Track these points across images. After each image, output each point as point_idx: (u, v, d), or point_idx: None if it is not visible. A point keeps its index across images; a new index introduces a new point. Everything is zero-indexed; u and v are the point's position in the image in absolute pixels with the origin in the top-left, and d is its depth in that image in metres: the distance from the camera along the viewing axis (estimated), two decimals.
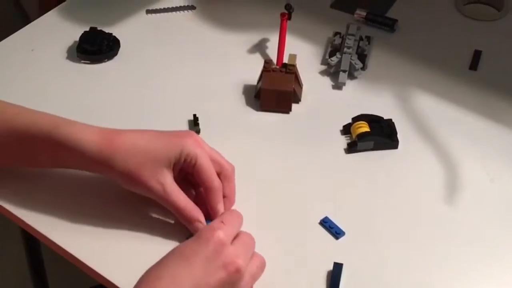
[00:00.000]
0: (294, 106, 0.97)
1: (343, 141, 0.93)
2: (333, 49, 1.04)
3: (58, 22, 1.10)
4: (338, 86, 1.00)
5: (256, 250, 0.77)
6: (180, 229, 0.80)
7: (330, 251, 0.80)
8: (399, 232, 0.82)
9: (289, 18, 1.02)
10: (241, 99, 0.98)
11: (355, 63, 1.01)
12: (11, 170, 0.86)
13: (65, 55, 1.04)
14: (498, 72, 1.03)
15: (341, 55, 1.01)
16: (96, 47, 1.03)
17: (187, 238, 0.77)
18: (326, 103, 0.98)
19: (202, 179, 0.80)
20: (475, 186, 0.88)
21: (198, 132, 0.92)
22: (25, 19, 1.65)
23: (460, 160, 0.90)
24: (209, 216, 0.81)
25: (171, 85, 1.00)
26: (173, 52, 1.05)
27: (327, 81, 1.01)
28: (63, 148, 0.79)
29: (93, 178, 0.84)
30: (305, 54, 1.04)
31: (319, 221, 0.83)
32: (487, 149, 0.92)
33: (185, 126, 0.94)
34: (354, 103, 0.97)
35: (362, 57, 1.03)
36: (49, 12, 1.12)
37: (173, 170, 0.80)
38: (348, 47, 1.02)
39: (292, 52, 0.99)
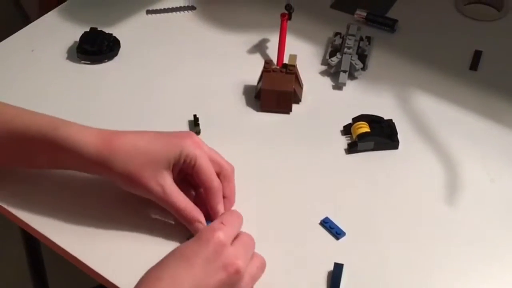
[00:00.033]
0: (294, 106, 0.97)
1: (343, 142, 0.93)
2: (334, 50, 1.04)
3: (58, 22, 1.10)
4: (338, 86, 1.00)
5: (256, 250, 0.77)
6: (180, 229, 0.80)
7: (330, 251, 0.80)
8: (400, 232, 0.82)
9: (289, 19, 1.02)
10: (241, 100, 0.98)
11: (356, 64, 1.01)
12: (11, 171, 0.86)
13: (65, 55, 1.04)
14: (498, 72, 1.03)
15: (342, 55, 1.01)
16: (96, 48, 1.03)
17: (187, 239, 0.77)
18: (327, 104, 0.98)
19: (201, 179, 0.80)
20: (476, 186, 0.88)
21: (198, 132, 0.92)
22: (25, 19, 1.65)
23: (461, 160, 0.91)
24: (209, 216, 0.81)
25: (171, 85, 1.00)
26: (173, 52, 1.06)
27: (327, 82, 1.01)
28: (62, 150, 0.79)
29: (93, 179, 0.84)
30: (305, 55, 1.04)
31: (319, 221, 0.83)
32: (488, 149, 0.92)
33: (185, 127, 0.94)
34: (355, 104, 0.97)
35: (363, 57, 1.03)
36: (49, 13, 1.12)
37: (173, 171, 0.80)
38: (349, 48, 1.02)
39: (293, 53, 0.99)
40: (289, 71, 0.96)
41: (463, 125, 0.96)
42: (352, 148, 0.91)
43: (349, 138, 0.93)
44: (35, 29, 1.10)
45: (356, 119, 0.94)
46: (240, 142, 0.92)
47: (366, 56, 1.03)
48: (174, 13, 1.12)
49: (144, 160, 0.78)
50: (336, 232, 0.82)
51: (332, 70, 1.02)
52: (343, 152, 0.92)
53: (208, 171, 0.80)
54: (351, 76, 1.01)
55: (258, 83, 0.98)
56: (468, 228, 0.83)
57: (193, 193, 0.84)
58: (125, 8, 1.12)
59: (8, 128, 0.81)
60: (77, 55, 1.03)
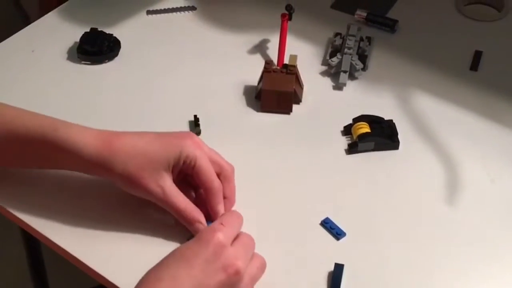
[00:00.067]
0: (294, 106, 0.97)
1: (343, 142, 0.93)
2: (334, 50, 1.04)
3: (58, 23, 1.10)
4: (338, 86, 1.00)
5: (257, 250, 0.77)
6: (181, 230, 0.80)
7: (331, 251, 0.80)
8: (400, 233, 0.82)
9: (290, 19, 1.02)
10: (242, 100, 0.98)
11: (356, 64, 1.01)
12: (12, 172, 0.86)
13: (66, 56, 1.04)
14: (498, 73, 1.03)
15: (342, 55, 1.01)
16: (96, 48, 1.03)
17: (188, 240, 0.77)
18: (327, 104, 0.98)
19: (202, 180, 0.80)
20: (476, 187, 0.88)
21: (199, 133, 0.92)
22: (25, 20, 1.65)
23: (461, 161, 0.91)
24: (210, 217, 0.81)
25: (172, 86, 1.00)
26: (174, 52, 1.06)
27: (327, 82, 1.02)
28: (62, 151, 0.79)
29: (94, 180, 0.84)
30: (305, 55, 1.04)
31: (319, 221, 0.83)
32: (488, 150, 0.92)
33: (185, 127, 0.94)
34: (355, 104, 0.97)
35: (363, 57, 1.03)
36: (50, 13, 1.12)
37: (173, 172, 0.79)
38: (349, 48, 1.02)
39: (293, 53, 0.99)
40: (290, 71, 0.96)
41: (463, 125, 0.96)
42: (352, 149, 0.91)
43: (349, 139, 0.93)
44: (35, 29, 1.10)
45: (356, 120, 0.94)
46: (241, 143, 0.92)
47: (366, 56, 1.03)
48: (174, 13, 1.12)
49: (144, 161, 0.78)
50: (336, 233, 0.82)
51: (332, 71, 1.02)
52: (344, 152, 0.92)
53: (208, 171, 0.80)
54: (352, 77, 1.01)
55: (258, 83, 0.98)
56: (468, 228, 0.83)
57: (193, 194, 0.84)
58: (125, 8, 1.12)
59: (8, 129, 0.81)
60: (77, 56, 1.04)
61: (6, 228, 1.31)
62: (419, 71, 1.03)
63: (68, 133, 0.79)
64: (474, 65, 1.04)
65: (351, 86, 1.01)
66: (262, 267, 0.76)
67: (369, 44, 1.05)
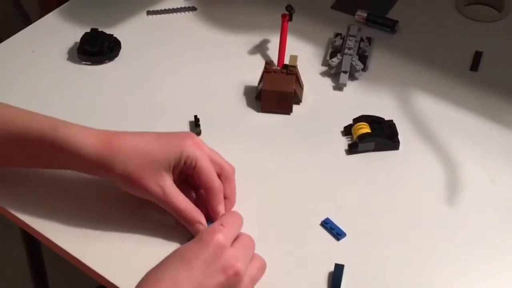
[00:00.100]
0: (295, 107, 0.97)
1: (344, 142, 0.93)
2: (334, 50, 1.04)
3: (59, 23, 1.10)
4: (339, 87, 1.01)
5: (257, 251, 0.77)
6: (181, 231, 0.80)
7: (331, 252, 0.80)
8: (400, 233, 0.83)
9: (290, 19, 1.02)
10: (242, 100, 0.98)
11: (356, 64, 1.01)
12: (12, 172, 0.86)
13: (66, 56, 1.04)
14: (498, 73, 1.03)
15: (342, 56, 1.01)
16: (97, 48, 1.03)
17: (188, 240, 0.77)
18: (327, 104, 0.98)
19: (202, 180, 0.80)
20: (476, 187, 0.88)
21: (199, 133, 0.93)
22: (26, 20, 1.66)
23: (461, 161, 0.91)
24: (210, 217, 0.81)
25: (172, 86, 1.00)
26: (174, 53, 1.06)
27: (328, 82, 1.02)
28: (62, 151, 0.79)
29: (94, 180, 0.84)
30: (306, 55, 1.04)
31: (320, 222, 0.83)
32: (488, 150, 0.92)
33: (186, 127, 0.94)
34: (355, 104, 0.97)
35: (363, 58, 1.03)
36: (50, 14, 1.12)
37: (173, 172, 0.79)
38: (349, 48, 1.02)
39: (293, 53, 0.99)
40: (290, 71, 0.96)
41: (464, 125, 0.96)
42: (352, 149, 0.91)
43: (349, 139, 0.93)
44: (35, 30, 1.10)
45: (356, 120, 0.94)
46: (241, 143, 0.92)
47: (366, 57, 1.03)
48: (174, 13, 1.12)
49: (144, 161, 0.78)
50: (336, 233, 0.82)
51: (332, 71, 1.02)
52: (344, 152, 0.92)
53: (209, 172, 0.80)
54: (352, 77, 1.01)
55: (258, 83, 0.98)
56: (468, 229, 0.83)
57: (194, 194, 0.84)
58: (125, 9, 1.13)
59: (7, 129, 0.81)
60: (77, 56, 1.04)
61: (6, 229, 1.31)
62: (419, 71, 1.03)
63: (68, 133, 0.79)
64: (474, 66, 1.04)
65: (351, 87, 1.01)
66: (262, 268, 0.76)
67: (369, 44, 1.05)
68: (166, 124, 0.94)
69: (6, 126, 0.81)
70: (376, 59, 1.05)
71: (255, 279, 0.75)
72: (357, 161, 0.91)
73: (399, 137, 0.92)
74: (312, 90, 0.99)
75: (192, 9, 1.13)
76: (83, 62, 1.03)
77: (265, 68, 0.97)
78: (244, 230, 0.78)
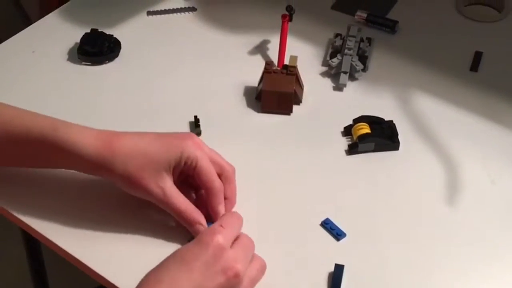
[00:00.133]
0: (295, 107, 0.97)
1: (344, 143, 0.93)
2: (334, 51, 1.04)
3: (59, 23, 1.10)
4: (339, 87, 1.01)
5: (257, 251, 0.77)
6: (181, 231, 0.80)
7: (331, 252, 0.80)
8: (400, 233, 0.83)
9: (290, 20, 1.02)
10: (242, 101, 0.98)
11: (356, 65, 1.01)
12: (12, 172, 0.86)
13: (66, 56, 1.04)
14: (498, 73, 1.03)
15: (342, 56, 1.02)
16: (97, 49, 1.03)
17: (188, 241, 0.77)
18: (327, 105, 0.98)
19: (203, 181, 0.80)
20: (476, 187, 0.88)
21: (199, 133, 0.93)
22: (26, 20, 1.65)
23: (461, 161, 0.91)
24: (210, 218, 0.81)
25: (172, 86, 1.00)
26: (174, 53, 1.06)
27: (328, 83, 1.02)
28: (62, 151, 0.79)
29: (95, 180, 0.84)
30: (306, 56, 1.04)
31: (320, 222, 0.83)
32: (488, 150, 0.92)
33: (186, 128, 0.94)
34: (355, 105, 0.97)
35: (363, 58, 1.03)
36: (50, 14, 1.12)
37: (173, 173, 0.79)
38: (349, 49, 1.02)
39: (293, 54, 0.99)
40: (290, 72, 0.96)
41: (464, 126, 0.96)
42: (352, 149, 0.91)
43: (349, 139, 0.93)
44: (36, 30, 1.10)
45: (356, 120, 0.94)
46: (241, 143, 0.92)
47: (366, 57, 1.03)
48: (174, 14, 1.12)
49: (144, 162, 0.78)
50: (336, 233, 0.82)
51: (332, 71, 1.02)
52: (344, 153, 0.92)
53: (209, 172, 0.80)
54: (352, 77, 1.01)
55: (258, 84, 0.98)
56: (469, 229, 0.83)
57: (194, 195, 0.83)
58: (125, 9, 1.13)
59: (7, 129, 0.81)
60: (78, 56, 1.04)
61: (6, 229, 1.31)
62: (419, 72, 1.03)
63: (68, 133, 0.79)
64: (474, 66, 1.04)
65: (351, 87, 1.01)
66: (262, 269, 0.76)
67: (369, 45, 1.05)
68: (166, 124, 0.94)
69: (6, 126, 0.81)
70: (376, 59, 1.05)
71: (255, 280, 0.75)
72: (357, 161, 0.91)
73: (399, 137, 0.92)
74: (312, 90, 1.00)
75: (192, 9, 1.13)
76: (83, 63, 1.04)
77: (265, 68, 0.97)
78: (244, 230, 0.78)
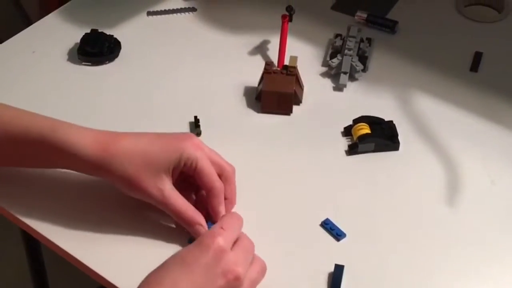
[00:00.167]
0: (295, 108, 0.97)
1: (344, 143, 0.93)
2: (334, 51, 1.04)
3: (59, 24, 1.10)
4: (339, 87, 1.01)
5: (257, 251, 0.77)
6: (180, 232, 0.80)
7: (331, 253, 0.80)
8: (400, 234, 0.83)
9: (290, 20, 1.02)
10: (242, 101, 0.98)
11: (356, 65, 1.01)
12: (13, 173, 0.86)
13: (66, 57, 1.04)
14: (498, 74, 1.03)
15: (342, 56, 1.02)
16: (97, 49, 1.03)
17: (188, 242, 0.77)
18: (327, 105, 0.98)
19: (203, 181, 0.80)
20: (476, 188, 0.88)
21: (199, 134, 0.93)
22: (26, 20, 1.65)
23: (461, 162, 0.91)
24: (211, 218, 0.81)
25: (172, 87, 1.00)
26: (174, 54, 1.06)
27: (328, 83, 1.02)
28: (60, 152, 0.79)
29: (95, 181, 0.83)
30: (306, 56, 1.04)
31: (320, 222, 0.83)
32: (488, 151, 0.92)
33: (186, 128, 0.94)
34: (355, 105, 0.97)
35: (363, 58, 1.03)
36: (50, 14, 1.12)
37: (173, 173, 0.79)
38: (349, 49, 1.02)
39: (293, 54, 0.99)
40: (290, 72, 0.96)
41: (464, 126, 0.96)
42: (352, 150, 0.91)
43: (349, 140, 0.93)
44: (36, 30, 1.10)
45: (356, 121, 0.94)
46: (241, 143, 0.92)
47: (366, 57, 1.03)
48: (174, 14, 1.13)
49: (143, 164, 0.78)
50: (336, 234, 0.82)
51: (332, 72, 1.02)
52: (344, 153, 0.92)
53: (210, 172, 0.80)
54: (352, 78, 1.02)
55: (258, 84, 0.98)
56: (469, 229, 0.83)
57: (194, 196, 0.83)
58: (126, 9, 1.13)
59: (7, 129, 0.81)
60: (78, 57, 1.04)
61: (6, 229, 1.31)
62: (419, 72, 1.03)
63: (67, 134, 0.79)
64: (474, 66, 1.04)
65: (351, 87, 1.01)
66: (262, 271, 0.76)
67: (369, 45, 1.05)
68: (166, 124, 0.94)
69: (5, 127, 0.81)
70: (376, 59, 1.05)
71: (255, 282, 0.75)
72: (357, 161, 0.91)
73: (399, 137, 0.92)
74: (312, 90, 1.00)
75: (192, 9, 1.13)
76: (83, 63, 1.04)
77: (265, 69, 0.97)
78: (244, 230, 0.78)
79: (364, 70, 1.02)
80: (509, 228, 0.84)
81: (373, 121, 0.94)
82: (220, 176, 0.81)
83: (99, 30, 1.06)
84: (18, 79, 1.01)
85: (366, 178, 0.89)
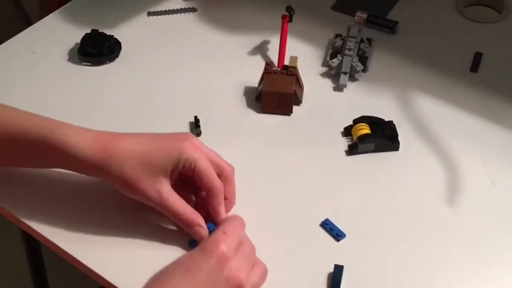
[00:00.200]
0: (295, 108, 0.97)
1: (344, 143, 0.93)
2: (334, 51, 1.04)
3: (59, 24, 1.10)
4: (339, 88, 1.01)
5: (257, 252, 0.77)
6: (180, 233, 0.80)
7: (330, 253, 0.80)
8: (400, 234, 0.83)
9: (290, 20, 1.02)
10: (242, 101, 0.98)
11: (356, 65, 1.01)
12: (13, 173, 0.86)
13: (67, 57, 1.05)
14: (498, 74, 1.03)
15: (342, 57, 1.02)
16: (97, 49, 1.03)
17: (188, 243, 0.77)
18: (327, 105, 0.98)
19: (202, 182, 0.80)
20: (476, 188, 0.88)
21: (199, 134, 0.93)
22: (26, 21, 1.65)
23: (461, 162, 0.91)
24: (211, 218, 0.81)
25: (172, 87, 1.00)
26: (174, 54, 1.06)
27: (328, 83, 1.02)
28: (59, 152, 0.79)
29: (95, 182, 0.83)
30: (306, 56, 1.04)
31: (319, 223, 0.83)
32: (488, 151, 0.92)
33: (186, 128, 0.94)
34: (355, 105, 0.97)
35: (363, 59, 1.03)
36: (51, 14, 1.12)
37: (172, 174, 0.79)
38: (349, 49, 1.02)
39: (293, 54, 0.99)
40: (290, 72, 0.96)
41: (464, 126, 0.96)
42: (352, 150, 0.91)
43: (349, 140, 0.93)
44: (36, 31, 1.10)
45: (356, 121, 0.94)
46: (241, 144, 0.92)
47: (366, 57, 1.03)
48: (175, 15, 1.13)
49: (141, 165, 0.78)
50: (336, 234, 0.82)
51: (332, 72, 1.02)
52: (344, 153, 0.92)
53: (209, 173, 0.79)
54: (352, 78, 1.02)
55: (259, 84, 0.98)
56: (469, 230, 0.83)
57: (194, 197, 0.83)
58: (126, 9, 1.13)
59: (5, 130, 0.81)
60: (78, 57, 1.04)
61: (6, 229, 1.31)
62: (419, 72, 1.03)
63: (65, 135, 0.79)
64: (474, 67, 1.04)
65: (351, 88, 1.01)
66: (263, 275, 0.76)
67: (370, 45, 1.05)
68: (166, 125, 0.94)
69: (5, 127, 0.81)
70: (376, 60, 1.05)
71: (256, 286, 0.75)
72: (357, 162, 0.91)
73: (399, 138, 0.92)
74: (312, 91, 1.00)
75: (193, 10, 1.13)
76: (84, 63, 1.04)
77: (265, 69, 0.97)
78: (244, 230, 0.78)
79: (364, 71, 1.02)
80: (509, 229, 0.84)
81: (373, 121, 0.94)
82: (219, 176, 0.81)
83: (100, 30, 1.06)
84: (18, 79, 1.01)
85: (366, 179, 0.89)
